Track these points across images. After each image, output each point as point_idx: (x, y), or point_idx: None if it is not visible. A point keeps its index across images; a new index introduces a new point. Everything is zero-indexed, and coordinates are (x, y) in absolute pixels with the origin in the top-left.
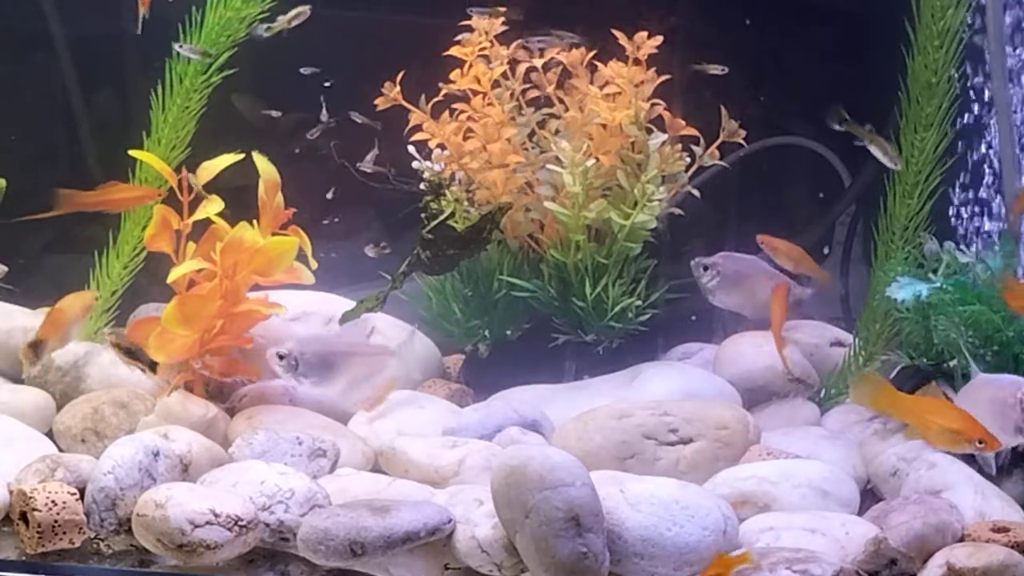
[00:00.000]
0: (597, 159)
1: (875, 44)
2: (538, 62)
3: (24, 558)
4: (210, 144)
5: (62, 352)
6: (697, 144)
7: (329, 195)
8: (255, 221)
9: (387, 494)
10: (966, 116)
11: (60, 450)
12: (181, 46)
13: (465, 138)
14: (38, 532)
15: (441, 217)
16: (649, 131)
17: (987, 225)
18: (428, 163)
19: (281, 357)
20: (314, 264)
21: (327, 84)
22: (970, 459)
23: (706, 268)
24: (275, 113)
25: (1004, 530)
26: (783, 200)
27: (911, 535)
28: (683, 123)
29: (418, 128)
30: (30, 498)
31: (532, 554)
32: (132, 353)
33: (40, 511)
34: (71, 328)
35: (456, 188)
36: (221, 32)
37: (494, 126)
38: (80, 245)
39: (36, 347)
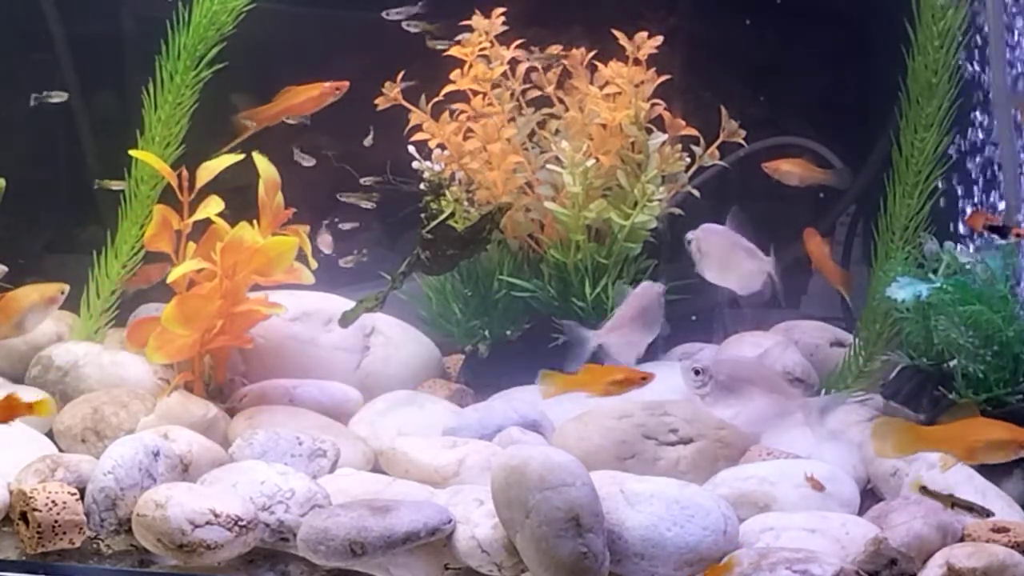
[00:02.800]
0: (597, 159)
1: (875, 44)
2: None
3: (24, 558)
4: (210, 143)
5: (62, 352)
6: (697, 144)
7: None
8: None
9: (387, 494)
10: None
11: (60, 450)
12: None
13: (465, 138)
14: (38, 532)
15: (441, 217)
16: (649, 131)
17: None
18: (428, 163)
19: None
20: (314, 264)
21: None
22: None
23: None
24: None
25: (1004, 530)
26: (783, 200)
27: (911, 535)
28: (683, 123)
29: (418, 128)
30: (30, 498)
31: (532, 554)
32: None
33: (40, 511)
34: (26, 319)
35: (456, 188)
36: (209, 26)
37: (494, 126)
38: (79, 245)
39: None
